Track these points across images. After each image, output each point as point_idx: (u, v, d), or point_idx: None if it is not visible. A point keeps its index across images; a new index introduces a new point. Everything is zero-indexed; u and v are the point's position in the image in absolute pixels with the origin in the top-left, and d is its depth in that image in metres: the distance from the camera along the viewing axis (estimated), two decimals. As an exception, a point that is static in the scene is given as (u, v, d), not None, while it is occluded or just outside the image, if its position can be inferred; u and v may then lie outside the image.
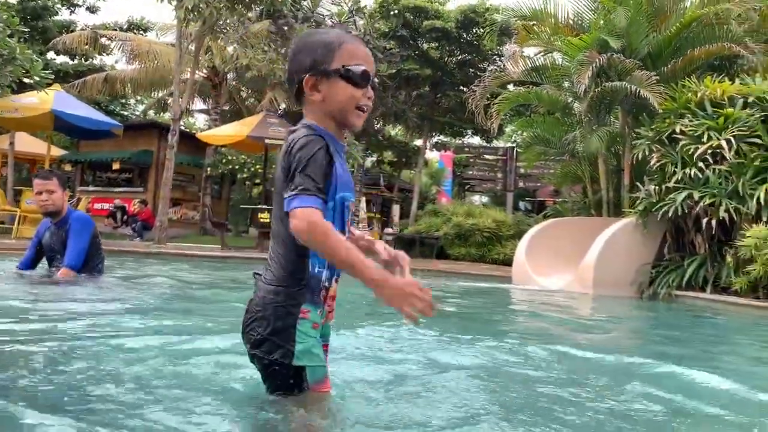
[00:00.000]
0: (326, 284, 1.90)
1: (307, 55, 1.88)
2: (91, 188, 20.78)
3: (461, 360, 3.11)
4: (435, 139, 24.92)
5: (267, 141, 14.53)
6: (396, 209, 30.44)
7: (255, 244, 15.03)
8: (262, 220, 14.82)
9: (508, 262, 15.05)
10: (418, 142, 29.42)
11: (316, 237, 1.67)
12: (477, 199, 34.84)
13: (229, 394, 2.23)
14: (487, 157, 19.01)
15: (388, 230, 27.46)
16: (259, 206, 15.38)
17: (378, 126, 23.95)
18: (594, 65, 9.65)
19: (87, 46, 19.93)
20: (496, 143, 22.90)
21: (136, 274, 7.28)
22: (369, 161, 30.78)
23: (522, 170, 17.77)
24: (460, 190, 35.92)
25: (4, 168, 18.06)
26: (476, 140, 25.41)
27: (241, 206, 19.45)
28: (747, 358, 4.18)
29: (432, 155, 33.20)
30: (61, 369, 2.54)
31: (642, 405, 2.41)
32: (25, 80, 12.65)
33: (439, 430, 1.96)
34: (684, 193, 8.47)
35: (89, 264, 5.36)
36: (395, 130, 32.02)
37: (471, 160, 18.03)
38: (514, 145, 19.29)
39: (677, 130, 8.89)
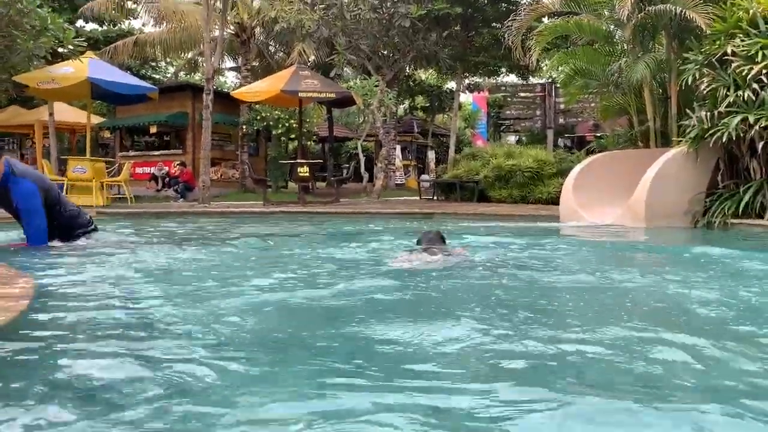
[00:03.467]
0: None
1: None
2: (131, 153, 21.04)
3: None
4: (468, 81, 24.43)
5: (301, 94, 14.43)
6: (431, 155, 30.25)
7: (297, 198, 15.12)
8: (301, 174, 14.85)
9: (552, 201, 14.84)
10: (451, 85, 28.92)
11: None
12: (512, 139, 34.28)
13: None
14: (523, 95, 18.56)
15: (425, 177, 27.37)
16: (298, 161, 15.39)
17: (409, 71, 23.57)
18: (638, -12, 9.21)
19: (114, 11, 19.88)
20: (532, 80, 22.32)
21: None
22: (401, 108, 30.47)
23: (561, 106, 17.31)
24: (496, 132, 35.39)
25: (46, 139, 18.39)
26: (511, 79, 24.83)
27: (280, 162, 19.48)
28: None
29: (465, 98, 32.68)
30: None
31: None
32: (59, 50, 12.74)
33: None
34: (738, 117, 8.14)
35: (59, 223, 5.44)
36: (426, 75, 31.50)
37: (508, 99, 17.60)
38: (552, 80, 18.72)
39: (728, 52, 8.48)
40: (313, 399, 1.81)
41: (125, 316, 2.88)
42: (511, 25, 11.82)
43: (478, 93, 29.79)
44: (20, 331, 2.53)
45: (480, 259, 5.01)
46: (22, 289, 3.26)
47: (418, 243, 5.09)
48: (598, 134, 28.34)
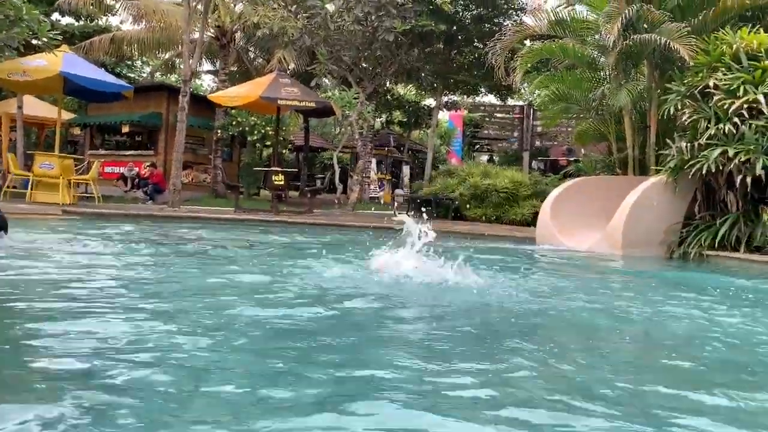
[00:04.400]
0: None
1: None
2: (101, 152, 20.54)
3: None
4: (446, 99, 24.46)
5: (280, 102, 14.21)
6: (406, 170, 30.19)
7: (270, 207, 14.85)
8: (276, 182, 14.61)
9: (525, 223, 14.87)
10: (429, 102, 28.96)
11: None
12: (484, 159, 34.46)
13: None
14: (500, 116, 18.64)
15: (398, 191, 27.28)
16: (274, 168, 15.15)
17: (388, 85, 23.50)
18: (623, 16, 9.26)
19: (92, 7, 19.46)
20: (510, 102, 22.44)
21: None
22: (378, 122, 30.39)
23: (539, 129, 17.42)
24: (470, 150, 35.54)
25: (13, 132, 17.82)
26: (489, 99, 24.95)
27: (255, 168, 19.20)
28: None
29: (442, 115, 32.75)
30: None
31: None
32: (33, 42, 12.35)
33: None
34: (718, 150, 8.20)
35: None
36: (405, 90, 31.52)
37: (487, 119, 17.64)
38: (530, 103, 18.84)
39: (711, 84, 8.56)
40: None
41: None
42: (495, 45, 11.83)
43: (455, 111, 29.92)
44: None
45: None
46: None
47: None
48: (571, 158, 28.76)
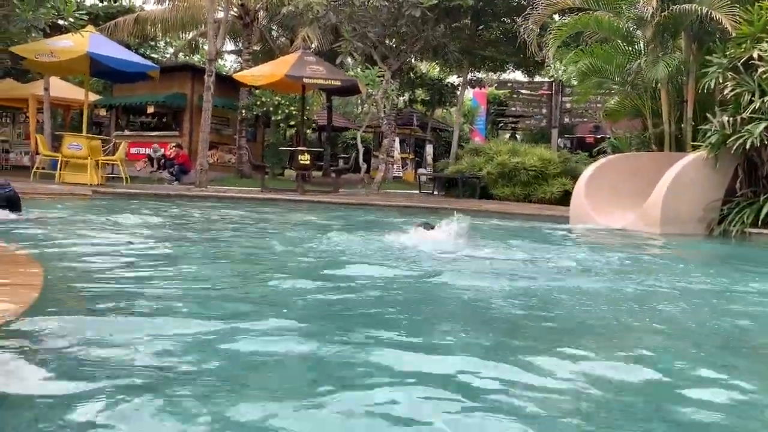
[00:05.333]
0: None
1: None
2: (126, 133, 20.57)
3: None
4: (470, 76, 24.09)
5: (306, 80, 14.07)
6: (429, 149, 29.94)
7: (296, 186, 14.79)
8: (302, 162, 14.53)
9: (555, 201, 14.63)
10: (453, 79, 28.58)
11: None
12: (506, 137, 34.04)
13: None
14: (526, 92, 18.25)
15: (422, 170, 27.07)
16: (299, 148, 15.05)
17: (411, 63, 23.20)
18: (663, -14, 8.96)
19: (115, -13, 19.42)
20: (537, 78, 22.03)
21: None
22: (401, 100, 30.11)
23: (567, 105, 17.06)
24: (494, 128, 35.12)
25: (40, 114, 17.91)
26: (516, 76, 24.51)
27: (280, 148, 19.11)
28: None
29: (465, 93, 32.35)
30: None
31: None
32: (59, 22, 12.31)
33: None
34: (763, 124, 7.91)
35: None
36: (427, 67, 31.13)
37: (514, 95, 17.32)
38: (559, 80, 18.45)
39: (755, 56, 8.24)
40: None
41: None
42: (526, 20, 11.54)
43: (480, 89, 29.51)
44: None
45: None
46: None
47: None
48: (598, 135, 28.25)
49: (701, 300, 3.72)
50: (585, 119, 18.57)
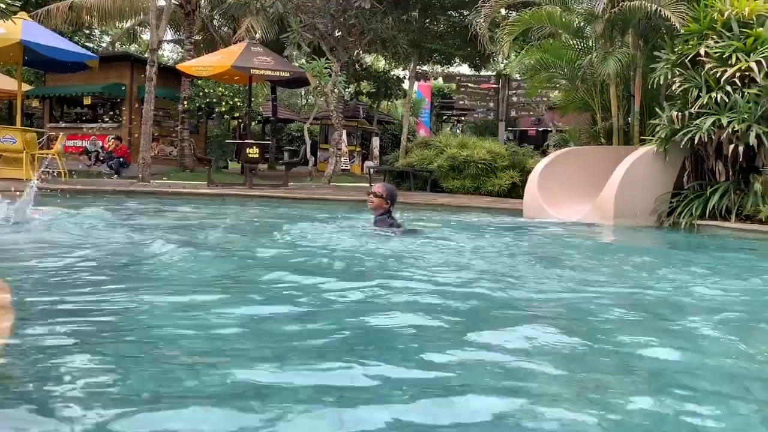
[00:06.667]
0: None
1: None
2: (61, 125, 19.71)
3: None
4: (418, 69, 24.12)
5: (253, 71, 13.73)
6: (376, 141, 29.89)
7: (244, 180, 14.46)
8: (251, 155, 14.19)
9: (503, 194, 14.81)
10: (399, 72, 28.58)
11: None
12: (447, 130, 34.35)
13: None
14: (473, 86, 18.36)
15: (369, 163, 26.99)
16: (247, 141, 14.70)
17: (357, 55, 23.04)
18: (613, -17, 9.10)
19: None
20: (484, 72, 22.20)
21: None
22: (347, 92, 29.93)
23: (514, 99, 17.26)
24: (438, 121, 35.37)
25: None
26: (462, 69, 24.68)
27: (226, 141, 18.67)
28: None
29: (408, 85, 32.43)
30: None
31: None
32: (-11, 7, 11.60)
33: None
34: (711, 119, 8.14)
35: None
36: (372, 59, 31.00)
37: (462, 89, 17.40)
38: (507, 74, 18.65)
39: (702, 53, 8.47)
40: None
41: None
42: (477, 13, 11.57)
43: (424, 81, 29.62)
44: None
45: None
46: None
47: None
48: (540, 128, 28.77)
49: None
50: (531, 113, 18.79)
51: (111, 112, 20.15)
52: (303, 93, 35.73)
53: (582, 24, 10.52)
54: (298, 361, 2.00)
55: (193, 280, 3.47)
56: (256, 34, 19.97)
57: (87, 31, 24.69)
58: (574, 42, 11.05)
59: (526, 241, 6.71)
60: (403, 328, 2.43)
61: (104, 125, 19.71)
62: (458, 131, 32.48)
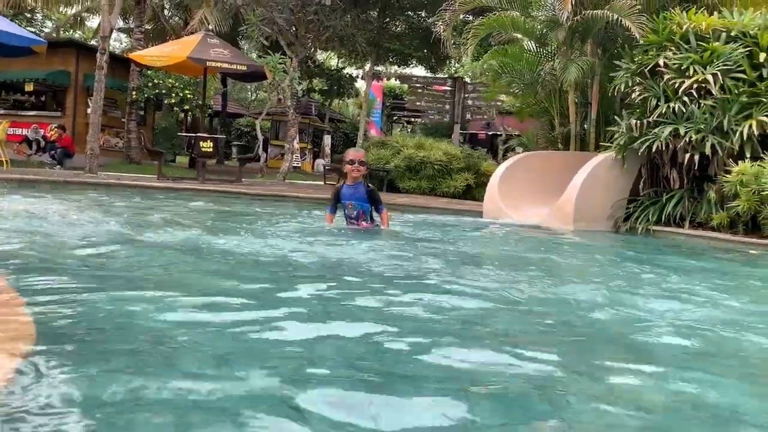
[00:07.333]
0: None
1: None
2: (0, 111, 18.78)
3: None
4: (372, 68, 24.10)
5: (210, 63, 13.41)
6: (327, 139, 29.68)
7: (196, 175, 14.13)
8: (204, 149, 13.87)
9: (458, 195, 14.94)
10: (351, 71, 28.45)
11: None
12: (397, 131, 34.52)
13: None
14: (427, 88, 18.48)
15: (320, 161, 26.78)
16: (200, 135, 14.35)
17: (314, 51, 22.83)
18: (576, -8, 9.29)
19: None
20: (440, 75, 22.34)
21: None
22: (300, 89, 29.62)
23: (469, 102, 17.43)
24: (389, 121, 35.41)
25: None
26: (416, 71, 24.77)
27: (179, 134, 18.19)
28: None
29: (362, 85, 32.36)
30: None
31: None
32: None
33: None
34: (669, 128, 8.39)
35: None
36: (325, 57, 30.78)
37: (419, 90, 17.45)
38: (462, 76, 18.83)
39: (660, 63, 8.73)
40: None
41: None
42: (436, 16, 11.63)
43: (377, 81, 29.63)
44: None
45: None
46: None
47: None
48: (490, 132, 29.19)
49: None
50: (484, 116, 19.04)
51: (54, 100, 19.35)
52: (252, 88, 35.21)
53: (545, 31, 10.69)
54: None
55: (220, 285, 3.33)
56: (209, 25, 19.55)
57: (29, 15, 23.65)
58: (537, 48, 11.22)
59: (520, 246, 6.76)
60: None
61: (47, 113, 18.91)
62: (408, 132, 32.63)
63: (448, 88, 17.53)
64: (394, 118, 36.25)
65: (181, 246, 4.44)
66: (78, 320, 2.22)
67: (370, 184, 5.93)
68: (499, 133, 28.37)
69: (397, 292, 3.13)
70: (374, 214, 5.87)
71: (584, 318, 2.93)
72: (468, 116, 18.21)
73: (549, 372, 2.01)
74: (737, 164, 7.84)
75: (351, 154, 5.88)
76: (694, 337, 2.61)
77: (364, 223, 5.74)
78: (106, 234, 4.63)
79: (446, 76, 21.35)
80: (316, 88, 28.79)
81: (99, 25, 17.25)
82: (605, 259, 6.04)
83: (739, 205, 7.69)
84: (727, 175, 7.87)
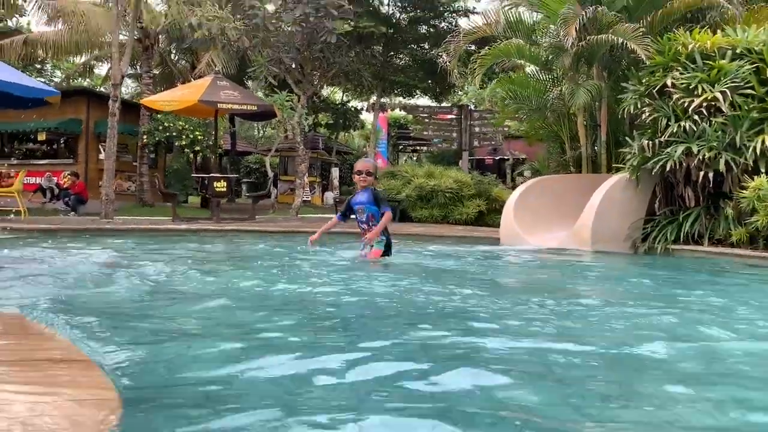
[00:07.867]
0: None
1: None
2: (13, 161, 19.07)
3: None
4: (379, 100, 24.40)
5: (220, 105, 13.66)
6: (335, 172, 29.90)
7: (210, 215, 14.25)
8: (218, 189, 14.03)
9: (471, 222, 15.01)
10: (356, 104, 28.83)
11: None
12: (403, 161, 34.78)
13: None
14: (436, 118, 18.65)
15: (329, 194, 26.94)
16: (214, 175, 14.52)
17: (316, 87, 23.14)
18: (580, 18, 9.44)
19: (1, 9, 18.03)
20: (445, 104, 22.58)
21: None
22: (306, 124, 29.96)
23: (477, 129, 17.57)
24: (395, 151, 35.65)
25: None
26: (421, 101, 25.04)
27: (192, 175, 18.39)
28: None
29: (368, 117, 32.71)
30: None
31: None
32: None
33: None
34: (682, 147, 8.46)
35: None
36: (330, 92, 31.16)
37: (426, 120, 17.64)
38: (467, 104, 19.02)
39: (668, 83, 8.83)
40: None
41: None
42: (444, 48, 11.83)
43: (382, 113, 29.96)
44: None
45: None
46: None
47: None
48: (497, 157, 29.31)
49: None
50: (491, 142, 19.15)
51: (66, 148, 19.65)
52: (260, 126, 35.63)
53: (550, 57, 10.85)
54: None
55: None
56: (216, 67, 19.89)
57: (38, 66, 24.13)
58: (542, 74, 11.38)
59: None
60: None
61: (59, 161, 19.19)
62: (413, 161, 32.87)
63: (454, 116, 17.68)
64: (400, 147, 36.57)
65: (236, 292, 4.50)
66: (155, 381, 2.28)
67: (376, 188, 6.33)
68: (506, 157, 28.54)
69: (443, 330, 3.18)
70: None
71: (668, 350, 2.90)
72: (476, 143, 18.30)
73: (608, 408, 2.05)
74: (752, 180, 7.89)
75: (359, 165, 6.33)
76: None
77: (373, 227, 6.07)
78: (154, 284, 4.70)
79: (450, 104, 21.56)
80: (322, 122, 29.14)
81: (108, 71, 17.60)
82: (646, 282, 6.08)
83: (758, 220, 7.72)
84: (743, 191, 7.91)
